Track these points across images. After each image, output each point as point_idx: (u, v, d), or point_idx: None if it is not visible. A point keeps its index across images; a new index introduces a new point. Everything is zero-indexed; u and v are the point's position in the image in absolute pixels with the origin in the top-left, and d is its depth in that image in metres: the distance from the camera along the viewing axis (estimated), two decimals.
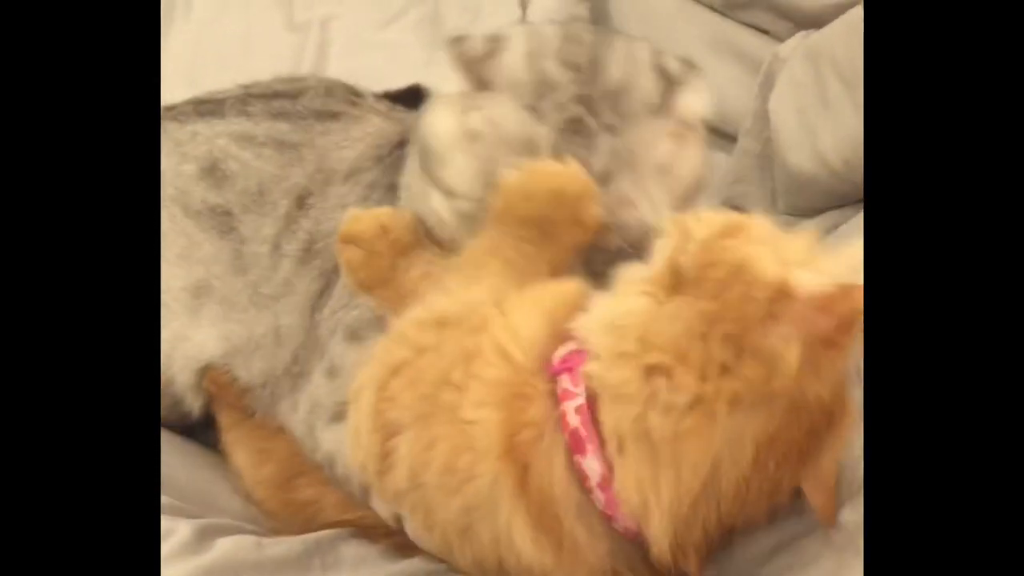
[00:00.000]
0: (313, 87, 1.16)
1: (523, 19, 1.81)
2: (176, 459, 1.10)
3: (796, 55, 1.25)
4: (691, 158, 0.88)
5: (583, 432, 0.69)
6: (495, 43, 0.88)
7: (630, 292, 0.71)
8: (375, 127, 1.08)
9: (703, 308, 0.66)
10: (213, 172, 1.08)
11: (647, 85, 0.86)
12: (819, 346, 0.64)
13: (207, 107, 1.16)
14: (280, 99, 1.15)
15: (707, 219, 0.73)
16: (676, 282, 0.69)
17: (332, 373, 0.97)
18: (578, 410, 0.70)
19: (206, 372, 1.08)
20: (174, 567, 0.87)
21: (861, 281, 0.62)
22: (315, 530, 0.95)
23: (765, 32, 1.44)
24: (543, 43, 0.88)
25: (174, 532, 0.91)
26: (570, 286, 0.78)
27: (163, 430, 1.14)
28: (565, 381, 0.71)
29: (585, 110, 0.84)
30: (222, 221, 1.07)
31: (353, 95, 1.16)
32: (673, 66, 0.88)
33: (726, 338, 0.65)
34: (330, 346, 0.98)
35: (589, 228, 0.81)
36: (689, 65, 0.89)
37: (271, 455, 1.05)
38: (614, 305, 0.72)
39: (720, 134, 1.42)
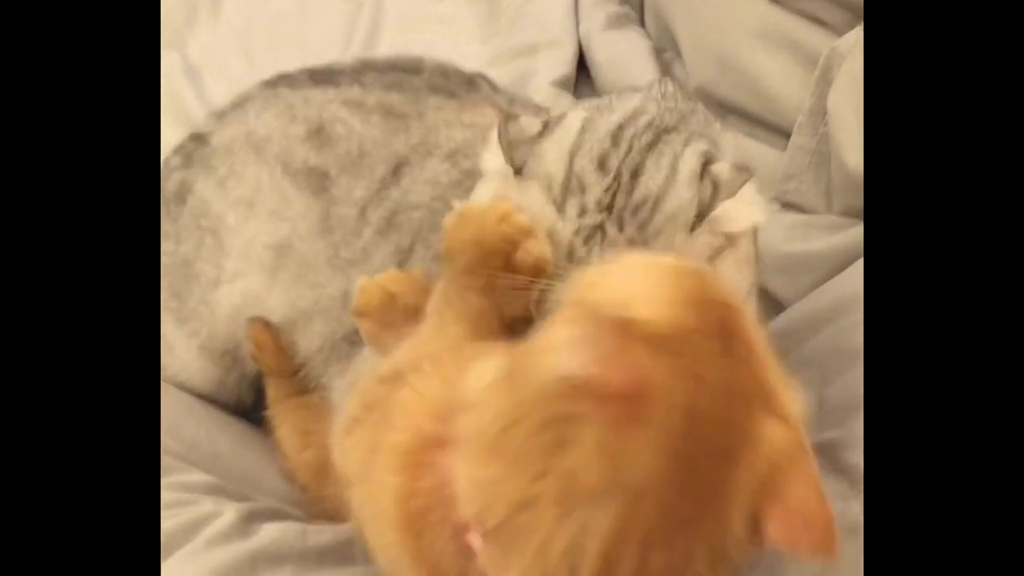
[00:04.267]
0: (430, 69, 1.17)
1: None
2: (223, 437, 1.12)
3: (856, 50, 1.23)
4: (726, 274, 0.83)
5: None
6: (544, 129, 0.86)
7: (494, 360, 0.66)
8: (489, 119, 1.08)
9: (515, 402, 0.61)
10: (319, 134, 1.11)
11: (684, 198, 0.81)
12: (609, 427, 0.58)
13: (322, 76, 1.18)
14: (396, 72, 1.16)
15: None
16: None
17: None
18: None
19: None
20: (219, 551, 0.89)
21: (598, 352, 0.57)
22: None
23: (820, 22, 1.39)
24: (587, 141, 0.84)
25: (220, 515, 0.93)
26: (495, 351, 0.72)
27: (211, 408, 1.17)
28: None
29: (608, 218, 0.81)
30: (318, 181, 1.09)
31: (469, 83, 1.17)
32: (722, 174, 0.82)
33: (535, 435, 0.60)
34: None
35: (522, 272, 0.77)
36: (741, 170, 0.83)
37: (313, 439, 1.06)
38: (480, 374, 0.67)
39: (770, 127, 1.42)
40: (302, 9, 1.82)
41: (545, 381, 0.59)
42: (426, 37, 1.73)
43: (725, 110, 1.49)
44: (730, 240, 0.83)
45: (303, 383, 1.11)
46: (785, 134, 1.36)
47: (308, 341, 1.09)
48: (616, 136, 0.84)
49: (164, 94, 1.61)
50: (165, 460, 1.01)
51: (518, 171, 0.84)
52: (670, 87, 0.93)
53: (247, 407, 1.19)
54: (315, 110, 1.13)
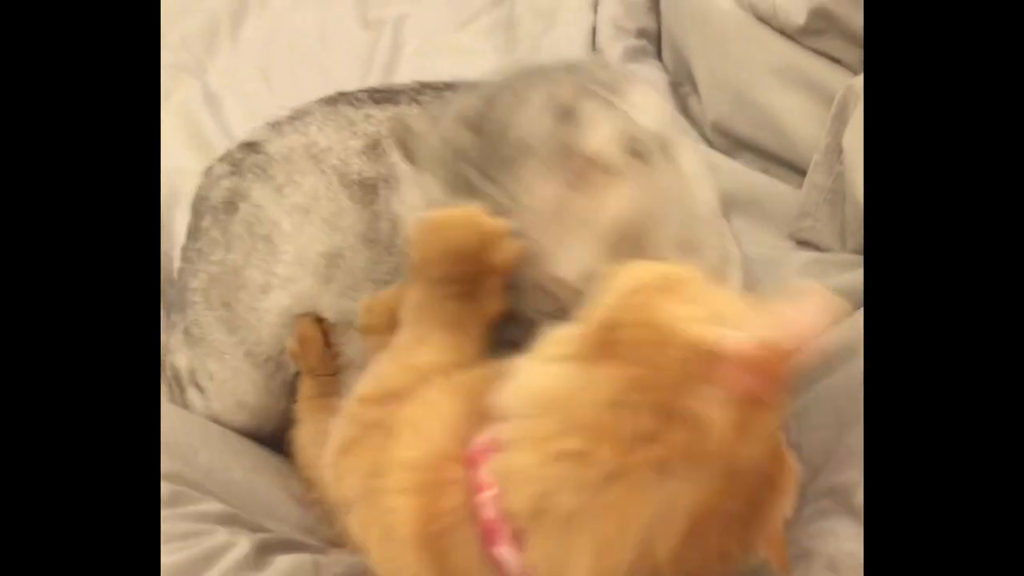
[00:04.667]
0: None
1: (595, 25, 1.80)
2: (238, 463, 1.12)
3: None
4: (612, 203, 0.82)
5: (497, 523, 0.66)
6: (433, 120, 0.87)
7: (553, 357, 0.67)
8: None
9: (633, 375, 0.62)
10: (375, 148, 1.12)
11: (540, 130, 0.81)
12: (748, 407, 0.60)
13: (382, 95, 1.20)
14: (452, 92, 1.17)
15: (637, 273, 0.69)
16: (606, 343, 0.64)
17: None
18: (494, 500, 0.66)
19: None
20: None
21: (792, 336, 0.60)
22: None
23: (837, 61, 1.40)
24: (456, 109, 0.85)
25: (234, 546, 0.92)
26: (491, 368, 0.74)
27: (226, 433, 1.17)
28: (483, 471, 0.67)
29: (473, 167, 0.81)
30: (369, 192, 1.10)
31: None
32: (583, 104, 0.82)
33: (655, 406, 0.61)
34: None
35: (499, 271, 0.78)
36: (615, 84, 0.83)
37: None
38: (533, 375, 0.67)
39: (786, 164, 1.43)
40: (321, 37, 1.84)
41: (687, 346, 0.61)
42: (444, 66, 1.73)
43: (741, 146, 1.50)
44: (597, 167, 0.81)
45: (338, 386, 1.11)
46: (801, 171, 1.36)
47: (350, 349, 1.10)
48: (490, 95, 0.86)
49: (183, 122, 1.63)
50: (180, 489, 1.01)
51: (411, 161, 0.86)
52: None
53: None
54: (374, 127, 1.14)
